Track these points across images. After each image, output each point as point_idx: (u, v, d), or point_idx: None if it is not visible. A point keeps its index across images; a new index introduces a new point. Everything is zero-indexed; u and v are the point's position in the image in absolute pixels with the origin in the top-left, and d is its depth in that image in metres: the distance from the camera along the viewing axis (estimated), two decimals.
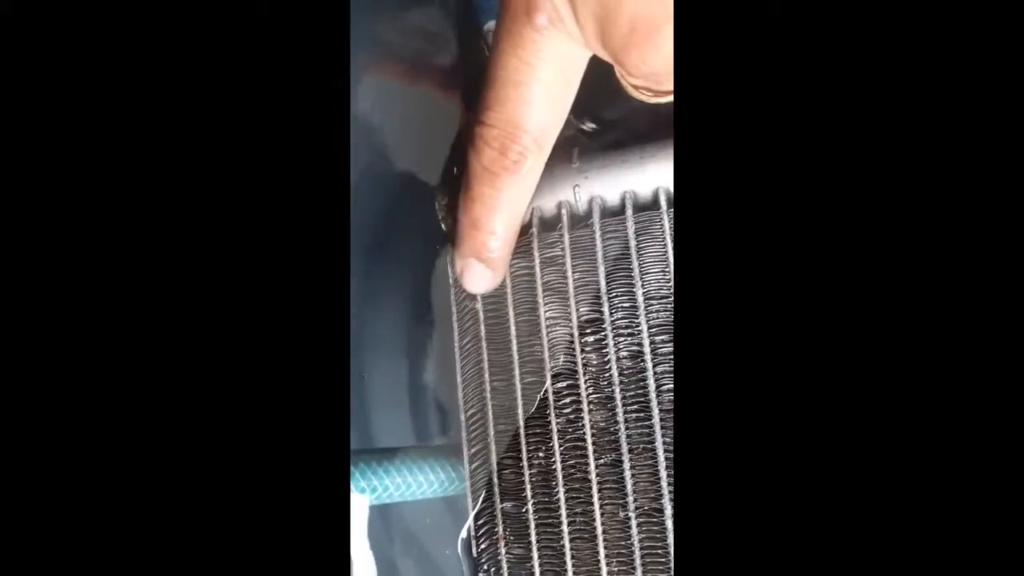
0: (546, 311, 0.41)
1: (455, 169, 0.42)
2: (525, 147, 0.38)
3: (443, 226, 0.43)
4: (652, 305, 0.40)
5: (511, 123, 0.37)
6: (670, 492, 0.38)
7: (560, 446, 0.40)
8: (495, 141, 0.38)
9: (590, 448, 0.40)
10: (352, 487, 0.45)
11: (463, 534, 0.41)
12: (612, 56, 0.36)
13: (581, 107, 0.40)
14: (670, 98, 0.39)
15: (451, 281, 0.43)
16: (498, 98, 0.37)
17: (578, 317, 0.41)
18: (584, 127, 0.43)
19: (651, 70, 0.36)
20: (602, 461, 0.40)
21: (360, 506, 0.50)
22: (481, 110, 0.38)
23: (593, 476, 0.40)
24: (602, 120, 0.43)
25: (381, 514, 0.52)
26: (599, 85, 0.39)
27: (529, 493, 0.41)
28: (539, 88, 0.37)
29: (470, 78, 0.42)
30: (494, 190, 0.39)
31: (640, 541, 0.39)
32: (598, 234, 0.41)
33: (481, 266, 0.41)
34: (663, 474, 0.39)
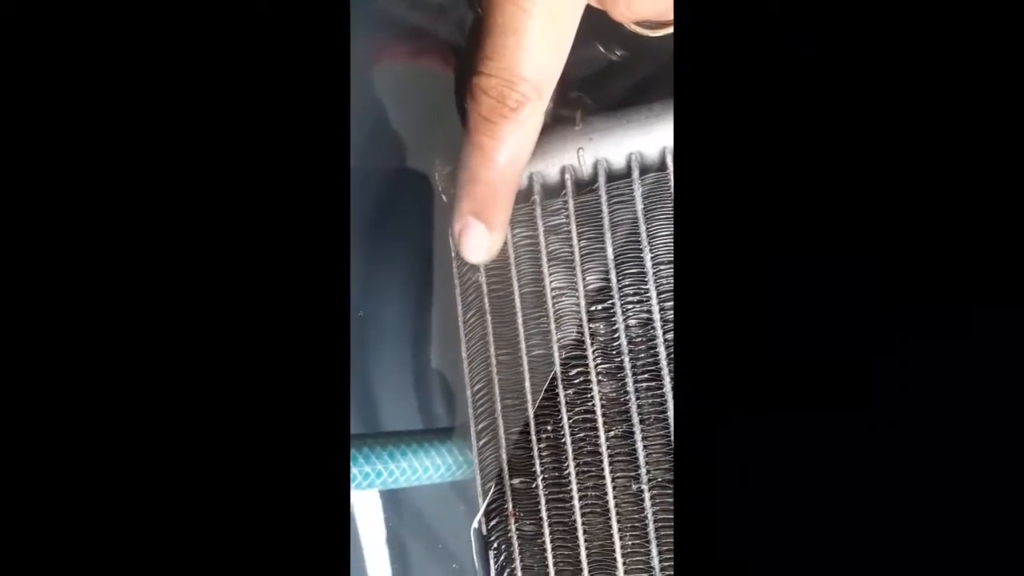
0: (551, 281, 0.41)
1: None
2: (524, 94, 0.37)
3: (444, 197, 0.42)
4: (661, 270, 0.39)
5: (509, 71, 0.37)
6: None
7: (569, 419, 0.40)
8: (493, 90, 0.37)
9: (600, 420, 0.39)
10: (358, 476, 0.44)
11: (474, 524, 0.40)
12: (600, 3, 0.37)
13: (609, 36, 0.39)
14: (670, 29, 0.38)
15: (453, 254, 0.42)
16: (495, 47, 0.37)
17: (585, 286, 0.40)
18: (614, 56, 0.42)
19: (638, 14, 0.36)
20: (613, 433, 0.39)
21: (370, 499, 0.49)
22: (479, 60, 0.38)
23: (604, 448, 0.39)
24: (631, 47, 0.42)
25: (390, 499, 0.51)
26: None
27: (539, 468, 0.40)
28: (536, 35, 0.37)
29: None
30: (493, 139, 0.38)
31: (654, 514, 0.38)
32: (604, 199, 0.40)
33: (480, 226, 0.40)
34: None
